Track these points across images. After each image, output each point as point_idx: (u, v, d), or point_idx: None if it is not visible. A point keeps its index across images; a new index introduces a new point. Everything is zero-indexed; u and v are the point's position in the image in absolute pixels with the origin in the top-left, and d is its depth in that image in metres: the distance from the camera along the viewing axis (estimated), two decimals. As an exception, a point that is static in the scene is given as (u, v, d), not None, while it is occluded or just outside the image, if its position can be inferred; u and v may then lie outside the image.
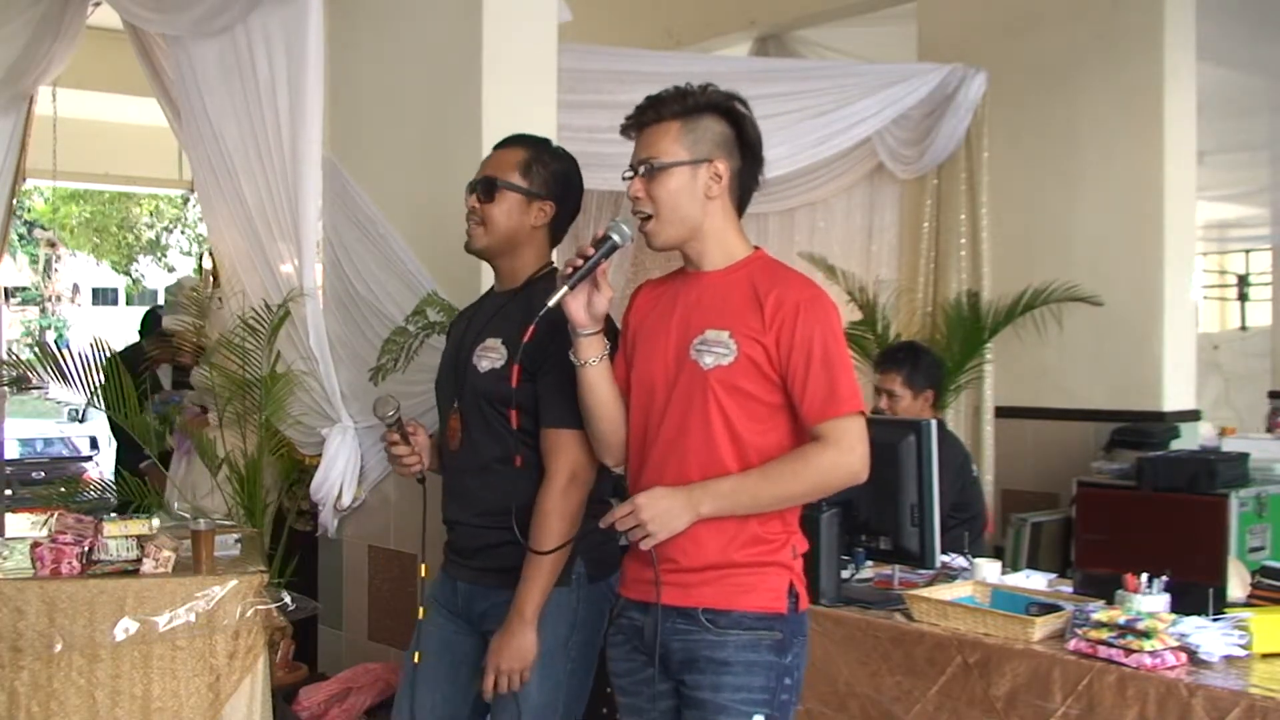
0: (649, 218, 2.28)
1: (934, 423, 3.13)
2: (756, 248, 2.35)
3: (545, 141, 2.75)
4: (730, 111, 2.30)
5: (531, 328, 2.33)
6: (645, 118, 2.30)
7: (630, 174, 2.30)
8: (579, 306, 2.28)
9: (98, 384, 4.52)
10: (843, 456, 2.18)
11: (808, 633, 2.32)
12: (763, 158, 2.35)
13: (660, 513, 2.17)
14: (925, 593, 3.03)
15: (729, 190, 2.30)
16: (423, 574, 2.72)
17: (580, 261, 2.25)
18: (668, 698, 2.31)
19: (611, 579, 2.61)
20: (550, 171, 2.66)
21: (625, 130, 2.34)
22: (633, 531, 2.19)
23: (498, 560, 2.56)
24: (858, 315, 5.72)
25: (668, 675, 2.30)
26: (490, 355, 2.57)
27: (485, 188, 2.63)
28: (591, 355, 2.31)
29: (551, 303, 2.27)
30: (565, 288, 2.25)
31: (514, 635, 2.46)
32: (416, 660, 2.67)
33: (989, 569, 3.21)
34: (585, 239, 6.85)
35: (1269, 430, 6.85)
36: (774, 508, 2.23)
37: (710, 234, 2.29)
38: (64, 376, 4.43)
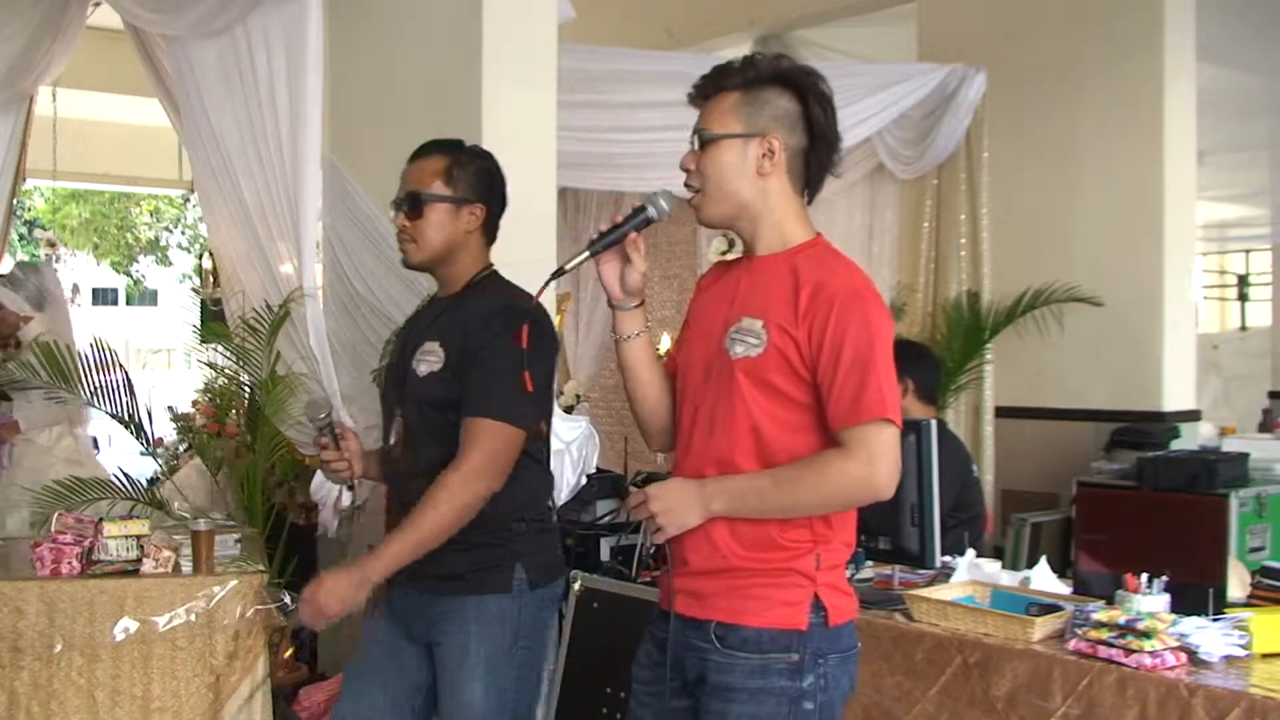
0: (698, 191, 2.15)
1: (934, 422, 3.13)
2: (818, 234, 2.18)
3: (460, 143, 2.69)
4: (798, 85, 2.12)
5: (540, 288, 2.30)
6: (708, 87, 2.16)
7: (690, 144, 2.17)
8: (612, 277, 2.17)
9: (98, 384, 4.52)
10: (860, 468, 1.99)
11: (847, 648, 2.12)
12: (836, 137, 2.16)
13: (670, 505, 2.06)
14: (925, 593, 3.03)
15: (788, 169, 2.13)
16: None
17: (604, 227, 2.15)
18: (684, 714, 2.18)
19: (554, 586, 2.60)
20: (473, 173, 2.61)
21: (692, 100, 2.21)
22: (647, 523, 2.10)
23: (436, 567, 2.49)
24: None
25: (686, 689, 2.17)
26: (429, 359, 2.53)
27: (411, 204, 2.58)
28: (629, 330, 2.21)
29: (569, 266, 2.19)
30: (585, 253, 2.15)
31: (345, 580, 2.39)
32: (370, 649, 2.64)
33: (990, 569, 3.21)
34: (585, 238, 6.86)
35: (1261, 430, 6.84)
36: (786, 515, 2.05)
37: (763, 215, 2.14)
38: (64, 376, 4.43)
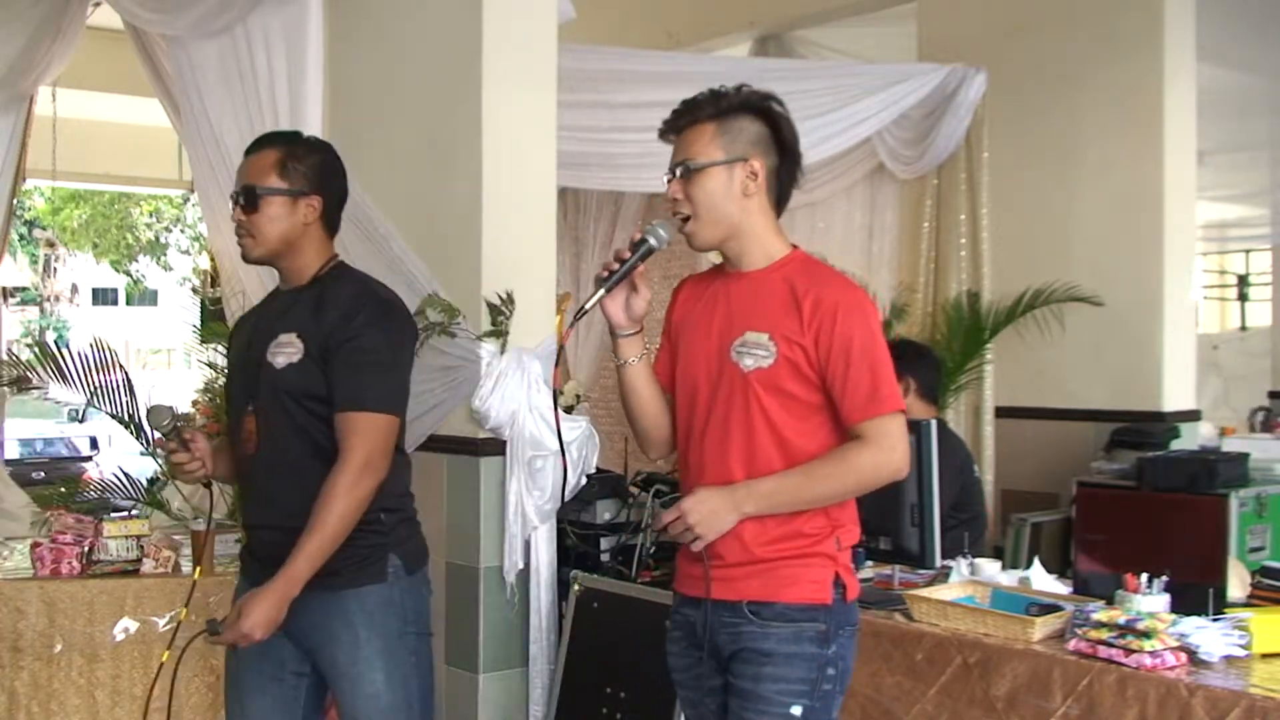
0: (688, 218, 2.30)
1: (934, 422, 3.14)
2: (794, 246, 2.36)
3: (296, 135, 2.70)
4: (765, 111, 2.32)
5: (568, 329, 2.35)
6: (681, 121, 2.33)
7: (669, 176, 2.32)
8: (617, 308, 2.32)
9: (98, 384, 4.52)
10: (884, 455, 2.21)
11: (854, 622, 2.34)
12: (800, 155, 2.36)
13: (706, 514, 2.21)
14: (925, 593, 3.03)
15: (766, 189, 2.32)
16: (196, 576, 2.72)
17: (616, 265, 2.28)
18: (722, 692, 2.33)
19: (424, 570, 2.64)
20: (308, 165, 2.61)
21: (663, 135, 2.36)
22: (683, 535, 2.23)
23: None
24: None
25: (719, 668, 2.32)
26: (286, 351, 2.52)
27: (246, 198, 2.57)
28: (631, 355, 2.37)
29: (588, 305, 2.29)
30: (601, 290, 2.28)
31: (269, 598, 2.39)
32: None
33: (990, 569, 3.21)
34: (585, 238, 6.87)
35: (1256, 430, 6.84)
36: (817, 505, 2.25)
37: (749, 233, 2.31)
38: (64, 376, 4.43)
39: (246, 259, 2.64)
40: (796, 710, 2.22)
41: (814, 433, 2.26)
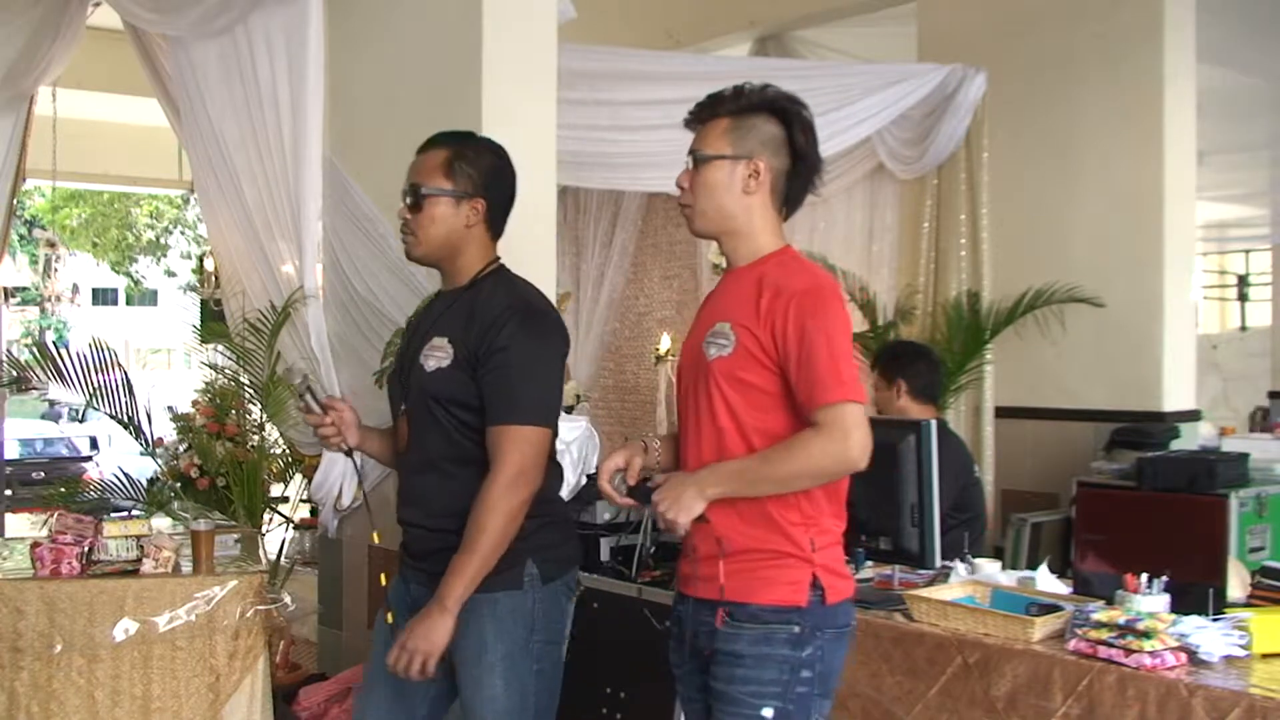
0: (690, 206, 2.38)
1: (934, 423, 3.13)
2: (786, 245, 2.39)
3: (469, 136, 2.67)
4: (783, 112, 2.36)
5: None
6: (703, 113, 2.39)
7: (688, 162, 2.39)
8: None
9: (98, 384, 4.52)
10: (833, 443, 2.19)
11: (841, 625, 2.32)
12: (817, 160, 2.39)
13: (671, 499, 2.24)
14: (925, 593, 3.03)
15: (770, 189, 2.36)
16: (377, 540, 2.75)
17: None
18: (706, 691, 2.36)
19: (567, 578, 2.61)
20: (476, 167, 2.59)
21: (688, 124, 2.42)
22: (668, 524, 2.26)
23: (449, 564, 2.50)
24: (858, 315, 5.72)
25: (703, 668, 2.36)
26: (437, 354, 2.53)
27: (412, 197, 2.58)
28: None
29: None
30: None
31: (429, 619, 2.41)
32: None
33: (990, 569, 3.21)
34: (585, 238, 6.84)
35: (1254, 430, 6.85)
36: (776, 490, 2.25)
37: (743, 230, 2.36)
38: (63, 377, 4.43)
39: (408, 257, 2.65)
40: (767, 712, 2.23)
41: (777, 423, 2.26)
